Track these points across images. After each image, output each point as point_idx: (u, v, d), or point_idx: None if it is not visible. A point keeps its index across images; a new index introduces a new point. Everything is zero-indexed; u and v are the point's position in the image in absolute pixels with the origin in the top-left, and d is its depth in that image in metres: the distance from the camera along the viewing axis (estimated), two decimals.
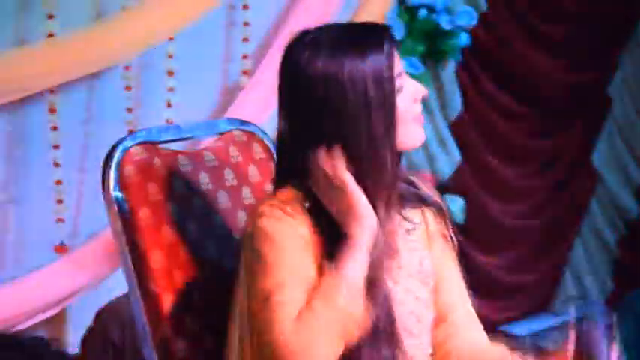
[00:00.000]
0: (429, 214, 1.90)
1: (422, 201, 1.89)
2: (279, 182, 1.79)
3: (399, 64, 1.74)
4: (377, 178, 1.71)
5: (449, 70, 4.18)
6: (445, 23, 3.89)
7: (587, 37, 4.79)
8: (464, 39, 4.01)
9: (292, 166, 1.75)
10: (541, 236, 4.78)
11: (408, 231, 1.85)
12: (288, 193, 1.75)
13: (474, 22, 4.05)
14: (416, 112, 1.77)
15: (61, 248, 3.14)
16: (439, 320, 1.88)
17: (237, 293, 1.77)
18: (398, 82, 1.73)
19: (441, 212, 1.91)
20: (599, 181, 5.04)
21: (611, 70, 4.97)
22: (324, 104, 1.69)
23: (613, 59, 4.96)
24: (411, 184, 1.88)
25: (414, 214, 1.87)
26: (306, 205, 1.72)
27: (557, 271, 4.97)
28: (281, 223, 1.68)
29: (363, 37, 1.73)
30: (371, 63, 1.69)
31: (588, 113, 4.95)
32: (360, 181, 1.69)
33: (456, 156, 4.26)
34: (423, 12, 3.85)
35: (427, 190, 1.91)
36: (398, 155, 1.76)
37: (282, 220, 1.69)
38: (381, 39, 1.72)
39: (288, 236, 1.68)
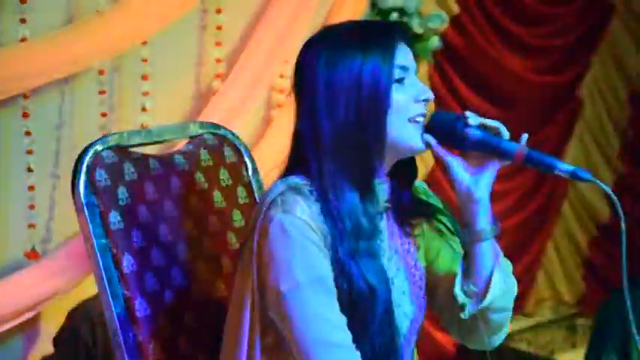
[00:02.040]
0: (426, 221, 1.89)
1: (423, 209, 1.88)
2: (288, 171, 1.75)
3: (407, 60, 1.73)
4: (357, 162, 1.70)
5: (421, 73, 4.19)
6: (417, 26, 3.89)
7: (559, 39, 4.82)
8: (436, 42, 4.02)
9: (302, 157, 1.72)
10: (514, 239, 4.80)
11: (406, 234, 1.85)
12: (297, 180, 1.70)
13: (446, 24, 4.07)
14: (413, 113, 1.73)
15: (33, 254, 3.12)
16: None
17: (236, 295, 1.74)
18: (399, 73, 1.72)
19: (443, 215, 1.90)
20: (571, 184, 5.07)
21: (582, 71, 5.01)
22: (317, 90, 1.69)
23: (584, 61, 5.00)
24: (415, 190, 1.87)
25: (411, 218, 1.86)
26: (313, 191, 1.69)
27: (530, 273, 5.00)
28: (295, 217, 1.64)
29: (372, 28, 1.76)
30: (373, 49, 1.69)
31: (559, 115, 4.98)
32: (336, 164, 1.69)
33: (429, 158, 4.27)
34: (394, 15, 3.86)
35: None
36: (382, 146, 1.71)
37: (296, 210, 1.64)
38: (388, 29, 1.74)
39: (303, 232, 1.64)
